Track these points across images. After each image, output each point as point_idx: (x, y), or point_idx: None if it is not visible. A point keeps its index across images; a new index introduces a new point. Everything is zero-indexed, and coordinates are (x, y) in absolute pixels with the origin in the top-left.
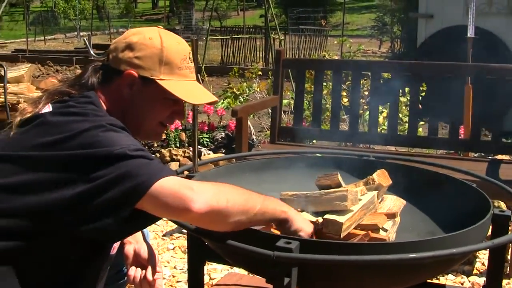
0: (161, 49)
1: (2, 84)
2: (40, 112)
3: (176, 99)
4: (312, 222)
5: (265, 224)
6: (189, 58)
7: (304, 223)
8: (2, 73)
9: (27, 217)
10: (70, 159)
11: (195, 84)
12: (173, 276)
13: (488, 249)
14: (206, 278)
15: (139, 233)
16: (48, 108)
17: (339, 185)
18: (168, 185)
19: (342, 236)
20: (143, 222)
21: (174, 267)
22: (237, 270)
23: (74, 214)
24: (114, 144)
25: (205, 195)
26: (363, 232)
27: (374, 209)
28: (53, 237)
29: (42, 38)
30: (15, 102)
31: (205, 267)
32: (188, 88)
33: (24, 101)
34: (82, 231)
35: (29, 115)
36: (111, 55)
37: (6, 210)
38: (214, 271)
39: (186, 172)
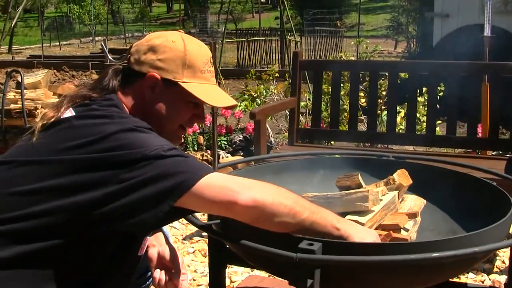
0: (184, 52)
1: (19, 90)
2: (62, 117)
3: (197, 102)
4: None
5: (316, 236)
6: (210, 62)
7: (362, 234)
8: (19, 79)
9: (61, 219)
10: (102, 161)
11: (216, 88)
12: (194, 280)
13: (510, 247)
14: (227, 281)
15: (162, 236)
16: (70, 113)
17: (360, 186)
18: (214, 180)
19: None
20: (179, 217)
21: (195, 271)
22: (257, 272)
23: (109, 211)
24: (146, 145)
25: (252, 190)
26: (384, 232)
27: (395, 209)
28: (84, 236)
29: (57, 43)
30: (32, 108)
31: (226, 270)
32: (209, 91)
33: (41, 107)
34: (116, 227)
35: (51, 120)
36: (133, 58)
37: (39, 213)
38: (235, 274)
39: None
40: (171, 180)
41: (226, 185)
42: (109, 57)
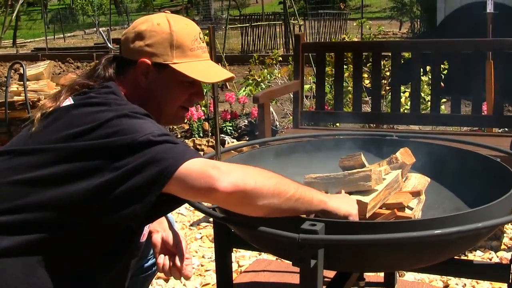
0: (171, 33)
1: (22, 82)
2: (61, 105)
3: (192, 81)
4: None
5: (303, 213)
6: (200, 38)
7: (347, 207)
8: (21, 71)
9: (56, 209)
10: (95, 149)
11: (209, 63)
12: (202, 265)
13: None
14: (234, 266)
15: (165, 221)
16: (69, 101)
17: (363, 166)
18: (193, 166)
19: (367, 216)
20: (171, 205)
21: (203, 256)
22: (265, 256)
23: (102, 202)
24: (138, 131)
25: (232, 175)
26: (388, 211)
27: (398, 188)
28: (83, 226)
29: (61, 35)
30: (35, 99)
31: (234, 255)
32: (202, 68)
33: (44, 98)
34: (111, 218)
35: (50, 109)
36: (123, 47)
37: (34, 203)
38: (243, 258)
39: None
40: (156, 167)
41: (205, 171)
42: (110, 45)
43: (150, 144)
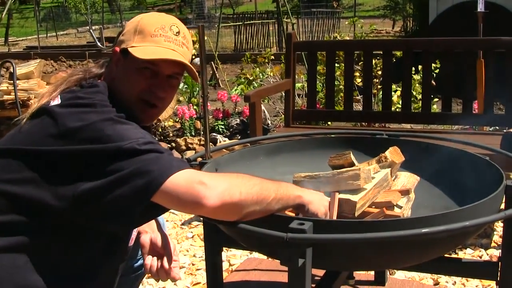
0: (138, 21)
1: (12, 81)
2: (49, 105)
3: (155, 71)
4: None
5: (281, 211)
6: (171, 29)
7: (318, 205)
8: (11, 69)
9: (42, 211)
10: (79, 154)
11: (166, 50)
12: (193, 264)
13: (502, 221)
14: (226, 265)
15: (154, 222)
16: (57, 100)
17: (352, 164)
18: (179, 181)
19: (356, 214)
20: (157, 213)
21: (194, 255)
22: (256, 255)
23: (88, 208)
24: (123, 139)
25: (218, 190)
26: (377, 210)
27: (388, 186)
28: (69, 230)
29: (54, 34)
30: (25, 98)
31: (225, 254)
32: (152, 50)
33: (35, 97)
34: (97, 225)
35: (38, 108)
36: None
37: (14, 206)
38: (234, 257)
39: (199, 159)
40: (142, 180)
41: (192, 187)
42: (99, 44)
43: (135, 153)
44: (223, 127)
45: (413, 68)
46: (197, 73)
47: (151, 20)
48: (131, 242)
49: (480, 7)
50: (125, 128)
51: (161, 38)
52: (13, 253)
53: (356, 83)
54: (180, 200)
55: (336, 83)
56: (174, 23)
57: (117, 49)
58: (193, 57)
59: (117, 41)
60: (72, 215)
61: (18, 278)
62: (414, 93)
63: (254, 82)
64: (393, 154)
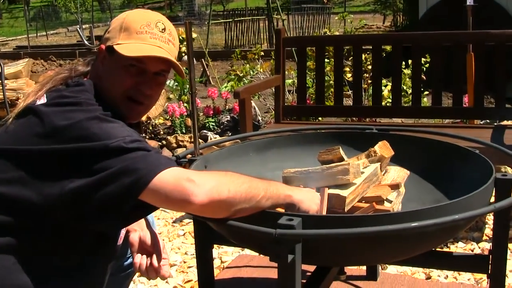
0: (124, 18)
1: (0, 81)
2: (35, 104)
3: (141, 68)
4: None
5: (271, 209)
6: (156, 26)
7: (310, 203)
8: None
9: (25, 212)
10: (65, 153)
11: (151, 47)
12: (184, 262)
13: (492, 214)
14: (217, 262)
15: (143, 220)
16: (43, 99)
17: (342, 159)
18: (167, 178)
19: (346, 209)
20: (145, 212)
21: (185, 253)
22: (248, 252)
23: (75, 207)
24: (109, 137)
25: (206, 187)
26: (367, 205)
27: (377, 181)
28: (57, 230)
29: (44, 33)
30: (14, 98)
31: (216, 251)
32: (138, 48)
33: (22, 96)
34: (84, 225)
35: (24, 107)
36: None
37: (1, 207)
38: (225, 254)
39: (189, 156)
40: (130, 178)
41: (180, 184)
42: (87, 43)
43: (122, 151)
44: (213, 124)
45: (403, 63)
46: (183, 70)
47: (136, 17)
48: (120, 241)
49: (469, 1)
50: (111, 127)
51: (147, 35)
52: (0, 254)
53: (346, 78)
54: (168, 197)
55: (326, 78)
56: (160, 20)
57: (103, 46)
58: (183, 54)
59: (103, 38)
60: (59, 214)
61: (5, 279)
62: (404, 87)
63: (244, 79)
64: (383, 148)
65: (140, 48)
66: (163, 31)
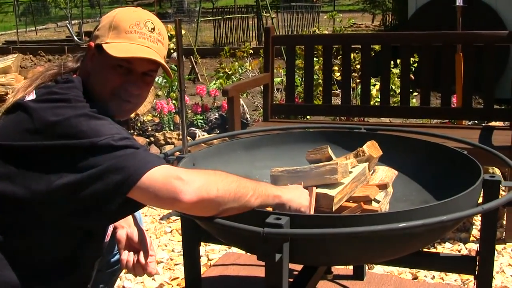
0: (114, 16)
1: None
2: (24, 99)
3: (129, 68)
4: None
5: (259, 209)
6: (145, 25)
7: (300, 200)
8: None
9: (12, 208)
10: (54, 149)
11: (140, 47)
12: (171, 259)
13: (480, 215)
14: (204, 259)
15: (131, 217)
16: (32, 95)
17: (330, 159)
18: (156, 176)
19: (334, 209)
20: (133, 209)
21: (172, 250)
22: (235, 250)
23: (63, 203)
24: (98, 134)
25: (195, 186)
26: (355, 204)
27: (365, 181)
28: (43, 226)
29: (33, 28)
30: (3, 93)
31: (203, 248)
32: (127, 48)
33: (11, 91)
34: (71, 221)
35: (13, 103)
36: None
37: None
38: (212, 251)
39: (177, 153)
40: (118, 175)
41: (169, 182)
42: (76, 39)
43: (111, 148)
44: (202, 121)
45: (392, 62)
46: (170, 71)
47: (126, 16)
48: (107, 237)
49: (459, 1)
50: (100, 124)
51: (136, 35)
52: None
53: (335, 77)
54: (157, 195)
55: (315, 77)
56: (149, 19)
57: (92, 44)
58: (171, 51)
59: (93, 36)
60: (46, 211)
61: None
62: (393, 87)
63: (233, 77)
64: (371, 148)
65: (129, 49)
66: (152, 30)
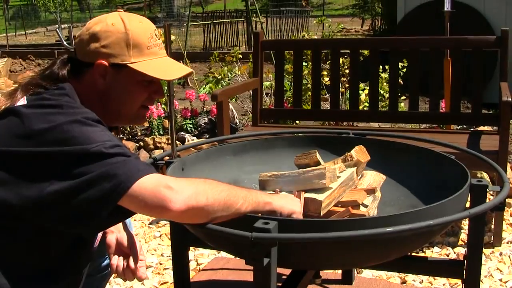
0: (126, 32)
1: None
2: (14, 105)
3: (151, 79)
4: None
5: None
6: (156, 35)
7: (292, 206)
8: None
9: (4, 213)
10: (46, 156)
11: (167, 60)
12: (160, 264)
13: (467, 219)
14: (193, 264)
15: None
16: (23, 101)
17: (318, 163)
18: (146, 185)
19: (322, 213)
20: (123, 217)
21: (161, 255)
22: (224, 254)
23: (53, 210)
24: (90, 141)
25: (184, 195)
26: (343, 209)
27: (353, 185)
28: (32, 232)
29: (23, 32)
30: None
31: (193, 253)
32: (160, 66)
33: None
34: (61, 228)
35: (2, 108)
36: (78, 49)
37: None
38: (201, 256)
39: (166, 158)
40: (109, 183)
41: (158, 191)
42: (65, 44)
43: (102, 156)
44: (191, 126)
45: (381, 67)
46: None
47: (138, 29)
48: (97, 242)
49: (447, 7)
50: (92, 131)
51: (156, 48)
52: None
53: (324, 82)
54: (146, 204)
55: (304, 82)
56: (154, 28)
57: (104, 63)
58: None
59: (98, 52)
60: (36, 217)
61: None
62: (382, 91)
63: (222, 81)
64: (359, 153)
65: (165, 69)
66: (159, 37)
